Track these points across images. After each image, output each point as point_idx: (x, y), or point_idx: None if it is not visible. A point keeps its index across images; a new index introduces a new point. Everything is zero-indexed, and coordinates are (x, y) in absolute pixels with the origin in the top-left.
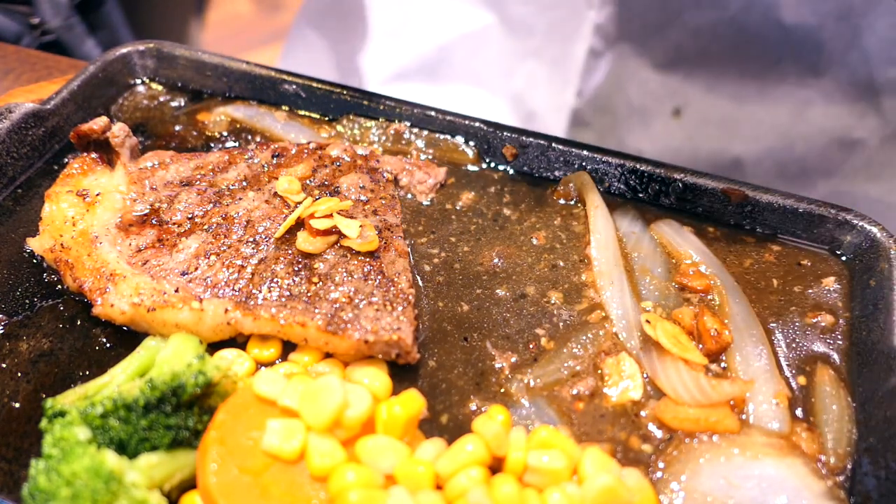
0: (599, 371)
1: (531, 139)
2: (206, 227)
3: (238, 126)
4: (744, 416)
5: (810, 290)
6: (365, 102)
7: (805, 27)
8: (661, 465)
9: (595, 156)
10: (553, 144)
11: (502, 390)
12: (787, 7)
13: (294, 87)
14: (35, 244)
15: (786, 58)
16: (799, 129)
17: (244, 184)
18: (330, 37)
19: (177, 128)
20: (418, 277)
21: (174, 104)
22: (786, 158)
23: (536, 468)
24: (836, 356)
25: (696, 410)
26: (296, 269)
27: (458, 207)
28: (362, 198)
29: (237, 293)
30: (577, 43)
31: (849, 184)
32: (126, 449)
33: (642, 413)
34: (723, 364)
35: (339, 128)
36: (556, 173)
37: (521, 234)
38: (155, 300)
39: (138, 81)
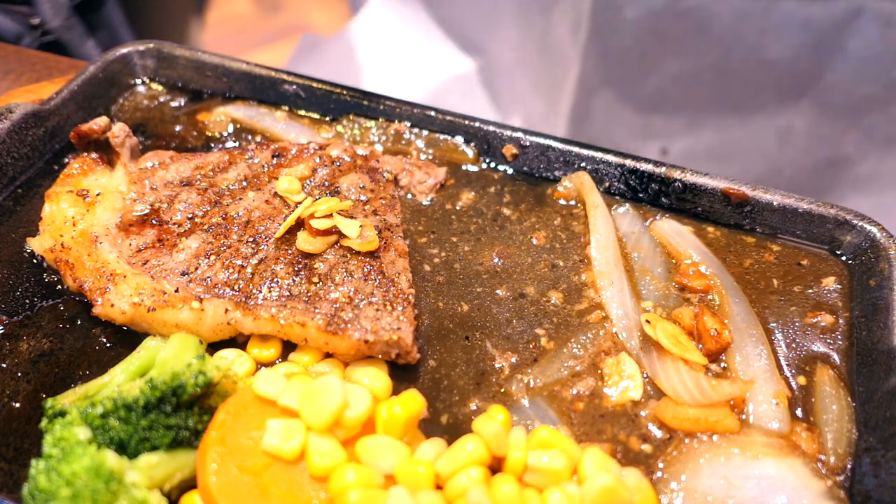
0: (599, 371)
1: (531, 139)
2: (206, 227)
3: (238, 126)
4: (744, 416)
5: (810, 290)
6: (365, 102)
7: (783, 60)
8: (661, 465)
9: (595, 156)
10: (553, 144)
11: (502, 390)
12: (765, 45)
13: (294, 87)
14: (35, 244)
15: (765, 88)
16: (785, 154)
17: (244, 184)
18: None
19: (177, 128)
20: (418, 277)
21: (174, 104)
22: (776, 184)
23: (536, 468)
24: (836, 356)
25: (696, 410)
26: (296, 269)
27: (458, 207)
28: (362, 198)
29: (237, 293)
30: (562, 90)
31: (839, 200)
32: (126, 449)
33: (642, 413)
34: (723, 364)
35: (339, 128)
36: (556, 173)
37: (521, 234)
38: (155, 300)
39: (138, 81)
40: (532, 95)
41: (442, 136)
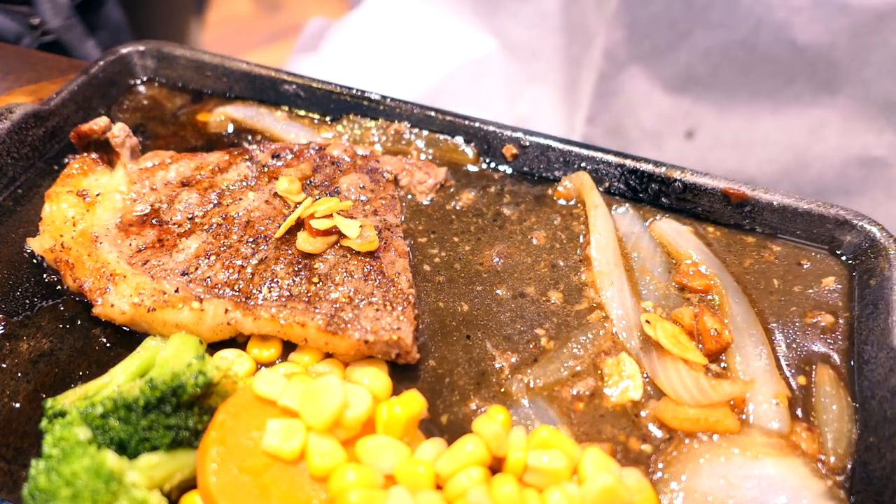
0: (599, 371)
1: (531, 139)
2: (206, 227)
3: (238, 126)
4: (744, 416)
5: (810, 290)
6: (365, 103)
7: (817, 45)
8: (661, 465)
9: (595, 156)
10: (553, 144)
11: (502, 390)
12: (798, 26)
13: (294, 87)
14: (35, 244)
15: (799, 77)
16: (815, 148)
17: (244, 184)
18: (329, 70)
19: (177, 128)
20: (418, 277)
21: (174, 104)
22: (802, 179)
23: (536, 468)
24: (836, 356)
25: (696, 410)
26: (296, 269)
27: (458, 207)
28: (362, 198)
29: (237, 293)
30: (585, 67)
31: (868, 202)
32: (126, 449)
33: (642, 413)
34: (723, 364)
35: (339, 128)
36: (556, 173)
37: (521, 234)
38: (155, 300)
39: (138, 81)
40: (552, 75)
41: (442, 136)
